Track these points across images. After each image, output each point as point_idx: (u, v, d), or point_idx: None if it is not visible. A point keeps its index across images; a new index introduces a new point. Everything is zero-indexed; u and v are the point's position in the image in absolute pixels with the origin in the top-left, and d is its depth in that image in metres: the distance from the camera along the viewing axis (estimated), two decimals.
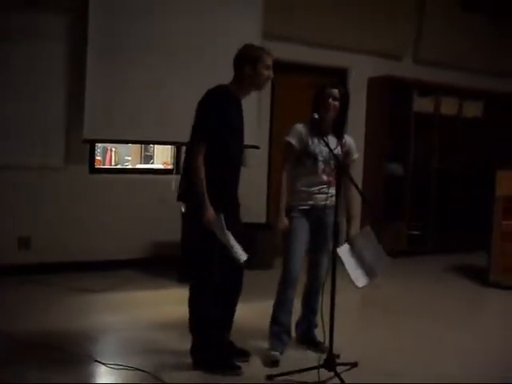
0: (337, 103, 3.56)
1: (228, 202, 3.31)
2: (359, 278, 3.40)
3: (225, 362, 3.29)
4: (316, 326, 3.75)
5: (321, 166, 3.57)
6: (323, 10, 6.51)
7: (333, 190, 3.52)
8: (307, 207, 3.60)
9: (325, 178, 3.59)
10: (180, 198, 3.33)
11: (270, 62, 3.28)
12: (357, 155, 3.76)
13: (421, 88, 7.14)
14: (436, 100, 7.27)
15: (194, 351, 3.33)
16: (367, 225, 3.49)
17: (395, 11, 7.08)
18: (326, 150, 3.53)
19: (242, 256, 3.19)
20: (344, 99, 3.60)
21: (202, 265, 3.24)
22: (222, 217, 3.13)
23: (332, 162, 3.55)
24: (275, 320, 3.62)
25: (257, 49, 3.33)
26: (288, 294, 3.59)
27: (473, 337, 4.17)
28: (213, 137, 3.16)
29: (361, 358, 3.44)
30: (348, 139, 3.71)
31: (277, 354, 3.51)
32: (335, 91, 3.55)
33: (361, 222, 6.97)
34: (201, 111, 3.22)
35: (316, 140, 3.58)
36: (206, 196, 3.13)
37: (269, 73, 3.28)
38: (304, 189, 3.60)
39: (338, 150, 3.52)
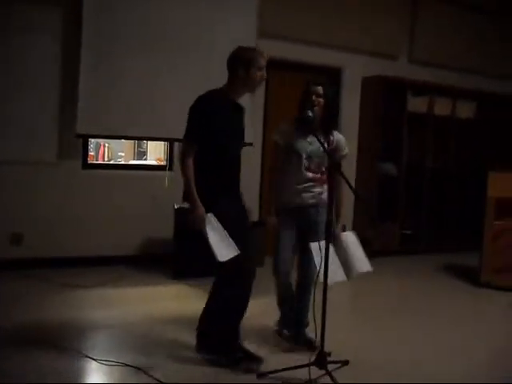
0: (321, 100, 3.59)
1: (231, 202, 3.32)
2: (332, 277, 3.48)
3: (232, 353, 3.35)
4: (307, 325, 3.76)
5: (305, 163, 3.62)
6: (318, 9, 6.52)
7: (320, 189, 3.60)
8: (294, 206, 3.66)
9: (310, 175, 3.63)
10: (184, 198, 3.34)
11: (263, 63, 3.30)
12: (346, 151, 3.77)
13: (415, 88, 7.15)
14: (430, 100, 7.29)
15: (203, 334, 3.39)
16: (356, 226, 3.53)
17: (390, 11, 7.09)
18: (310, 147, 3.61)
19: (222, 256, 3.13)
20: (328, 97, 3.63)
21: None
22: (212, 216, 3.15)
23: (317, 159, 3.60)
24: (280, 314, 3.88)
25: (250, 51, 3.34)
26: (281, 288, 3.76)
27: (465, 336, 4.19)
28: (203, 141, 3.20)
29: (352, 357, 3.45)
30: (337, 136, 3.73)
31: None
32: (319, 88, 3.59)
33: (353, 220, 7.04)
34: (190, 116, 3.27)
35: (301, 137, 3.63)
36: (196, 195, 3.16)
37: (262, 73, 3.31)
38: (290, 186, 3.66)
39: (319, 146, 3.56)
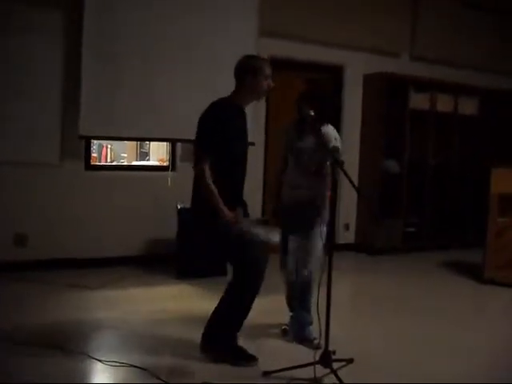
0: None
1: (237, 204, 3.35)
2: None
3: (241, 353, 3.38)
4: (311, 323, 3.77)
5: (295, 160, 3.72)
6: (319, 7, 6.51)
7: (313, 185, 3.64)
8: (290, 203, 3.72)
9: (301, 172, 3.70)
10: (193, 212, 3.40)
11: (269, 71, 3.35)
12: (335, 143, 3.64)
13: (417, 85, 7.13)
14: (432, 97, 7.27)
15: (210, 334, 3.39)
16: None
17: (392, 8, 7.08)
18: (301, 144, 3.68)
19: (271, 237, 3.28)
20: (316, 94, 3.76)
21: (244, 259, 3.28)
22: (240, 210, 3.26)
23: (307, 156, 3.65)
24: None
25: (256, 59, 3.42)
26: (288, 287, 3.88)
27: (470, 334, 4.18)
28: (217, 149, 3.21)
29: (357, 355, 3.43)
30: (325, 129, 3.67)
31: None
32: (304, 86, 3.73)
33: (356, 217, 7.05)
34: (203, 125, 3.27)
35: (297, 136, 3.73)
36: (221, 203, 3.17)
37: (269, 82, 3.36)
38: (287, 185, 3.77)
39: (309, 143, 3.62)
